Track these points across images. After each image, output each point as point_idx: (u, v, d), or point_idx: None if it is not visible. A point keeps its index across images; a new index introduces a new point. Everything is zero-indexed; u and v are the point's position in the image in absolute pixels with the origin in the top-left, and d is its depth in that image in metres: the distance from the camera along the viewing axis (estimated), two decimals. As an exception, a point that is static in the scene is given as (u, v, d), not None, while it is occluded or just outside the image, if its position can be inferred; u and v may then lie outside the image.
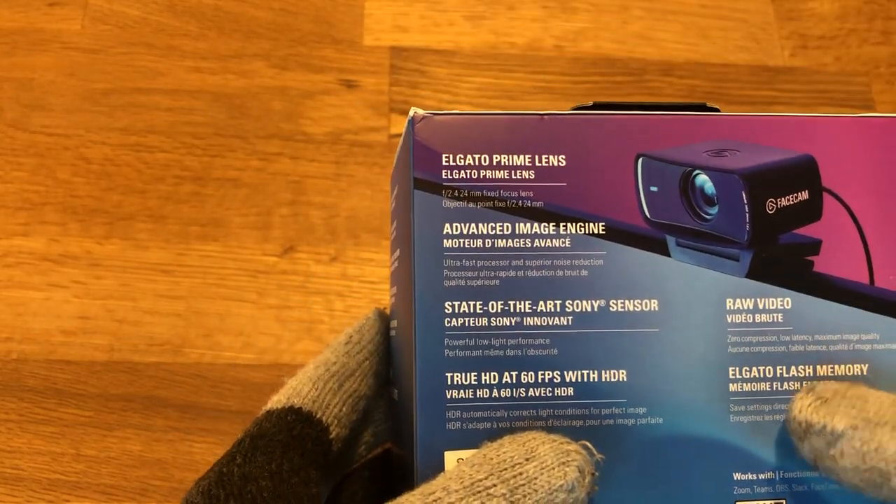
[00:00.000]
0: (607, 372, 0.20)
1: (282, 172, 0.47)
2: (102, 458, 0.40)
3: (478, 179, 0.20)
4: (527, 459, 0.17)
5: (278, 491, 0.19)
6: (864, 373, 0.21)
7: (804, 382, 0.21)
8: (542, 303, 0.20)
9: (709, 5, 0.55)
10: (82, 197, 0.45)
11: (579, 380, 0.20)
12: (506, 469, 0.17)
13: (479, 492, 0.17)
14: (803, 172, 0.21)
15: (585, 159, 0.21)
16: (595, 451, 0.19)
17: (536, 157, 0.21)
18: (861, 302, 0.21)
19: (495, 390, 0.20)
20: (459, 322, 0.20)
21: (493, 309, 0.20)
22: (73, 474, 0.39)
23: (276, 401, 0.22)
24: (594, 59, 0.52)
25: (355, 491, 0.23)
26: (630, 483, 0.20)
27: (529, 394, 0.20)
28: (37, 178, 0.46)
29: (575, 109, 0.22)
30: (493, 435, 0.19)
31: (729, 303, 0.21)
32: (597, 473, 0.19)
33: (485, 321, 0.20)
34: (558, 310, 0.20)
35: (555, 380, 0.20)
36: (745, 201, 0.21)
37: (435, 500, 0.17)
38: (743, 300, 0.21)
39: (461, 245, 0.20)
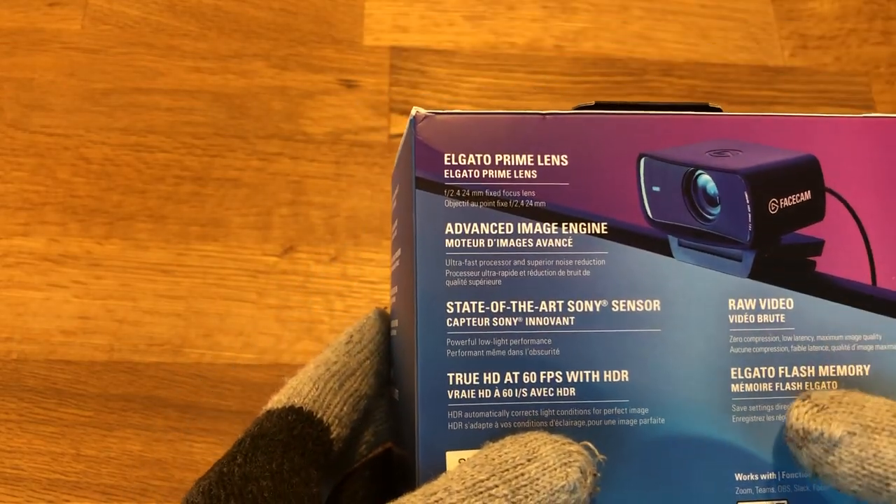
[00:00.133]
0: (609, 372, 0.20)
1: (282, 172, 0.47)
2: (102, 458, 0.39)
3: (480, 179, 0.20)
4: (529, 460, 0.17)
5: (279, 491, 0.19)
6: (866, 373, 0.21)
7: (806, 383, 0.21)
8: (544, 303, 0.20)
9: (709, 5, 0.55)
10: (82, 197, 0.45)
11: (581, 380, 0.20)
12: (507, 470, 0.17)
13: (481, 492, 0.17)
14: (806, 172, 0.21)
15: (587, 159, 0.21)
16: (597, 452, 0.19)
17: (538, 156, 0.21)
18: (863, 302, 0.21)
19: (497, 390, 0.20)
20: (461, 322, 0.20)
21: (495, 309, 0.20)
22: (73, 474, 0.39)
23: (277, 400, 0.22)
24: (594, 59, 0.52)
25: (356, 490, 0.23)
26: (632, 483, 0.20)
27: (531, 394, 0.20)
28: (37, 178, 0.46)
29: (577, 109, 0.21)
30: (495, 435, 0.19)
31: (731, 303, 0.21)
32: (599, 474, 0.18)
33: (487, 321, 0.20)
34: (560, 310, 0.20)
35: (557, 380, 0.20)
36: (748, 201, 0.21)
37: (436, 501, 0.17)
38: (745, 300, 0.21)
39: (463, 245, 0.20)
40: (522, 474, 0.17)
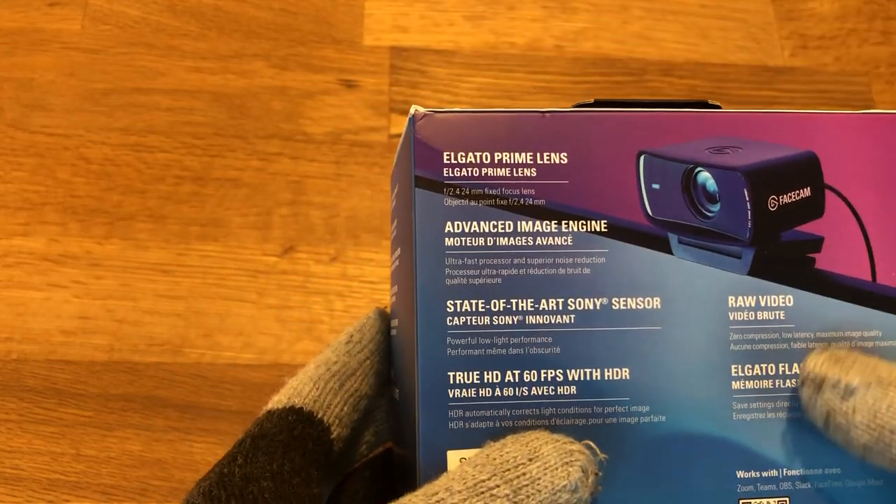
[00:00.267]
0: (610, 370, 0.20)
1: (282, 172, 0.47)
2: (102, 458, 0.39)
3: (479, 177, 0.20)
4: (530, 459, 0.17)
5: (280, 491, 0.19)
6: (867, 370, 0.21)
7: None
8: (544, 301, 0.20)
9: (709, 5, 0.55)
10: (82, 197, 0.45)
11: (582, 378, 0.20)
12: (509, 469, 0.17)
13: (483, 492, 0.17)
14: (805, 169, 0.21)
15: (587, 157, 0.21)
16: (598, 451, 0.19)
17: (538, 154, 0.21)
18: (863, 299, 0.21)
19: (498, 389, 0.20)
20: (461, 321, 0.20)
21: (495, 307, 0.20)
22: (73, 474, 0.39)
23: (277, 401, 0.22)
24: (594, 59, 0.52)
25: (356, 490, 0.23)
26: (633, 482, 0.20)
27: (532, 393, 0.20)
28: (37, 178, 0.46)
29: (576, 107, 0.21)
30: (496, 434, 0.19)
31: (731, 300, 0.21)
32: (600, 473, 0.18)
33: (487, 320, 0.20)
34: (560, 308, 0.20)
35: (557, 378, 0.20)
36: (747, 198, 0.21)
37: (438, 501, 0.17)
38: (745, 298, 0.21)
39: (463, 243, 0.20)
40: (524, 474, 0.17)
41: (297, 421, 0.21)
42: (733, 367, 0.20)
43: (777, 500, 0.20)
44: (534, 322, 0.20)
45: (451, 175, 0.20)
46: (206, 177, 0.46)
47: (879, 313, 0.21)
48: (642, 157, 0.21)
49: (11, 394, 0.41)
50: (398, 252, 0.23)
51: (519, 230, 0.20)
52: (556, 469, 0.17)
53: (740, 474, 0.20)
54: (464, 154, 0.20)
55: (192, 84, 0.48)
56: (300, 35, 0.51)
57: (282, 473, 0.19)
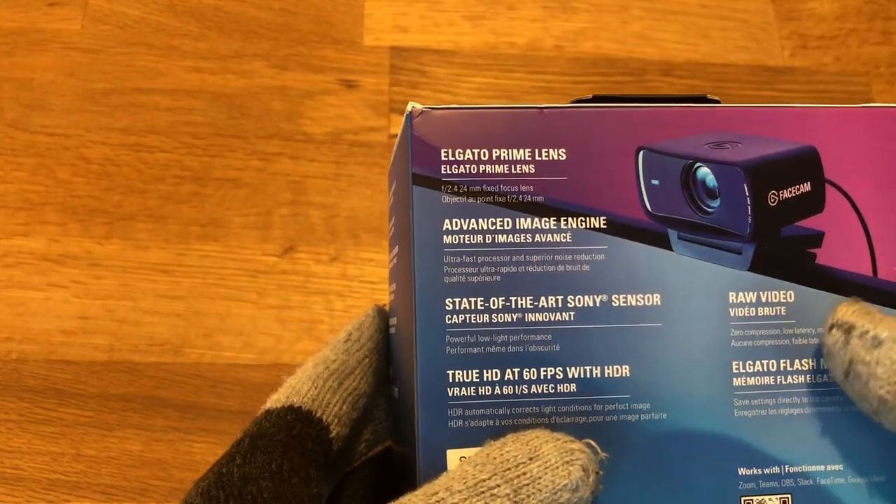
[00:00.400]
0: (610, 367, 0.20)
1: (282, 172, 0.47)
2: (102, 458, 0.39)
3: (477, 174, 0.20)
4: (530, 459, 0.17)
5: (279, 491, 0.19)
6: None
7: (808, 376, 0.21)
8: (543, 298, 0.20)
9: (709, 5, 0.55)
10: (82, 197, 0.45)
11: (582, 376, 0.20)
12: (509, 469, 0.17)
13: (483, 492, 0.17)
14: (805, 164, 0.21)
15: (586, 153, 0.21)
16: (599, 450, 0.19)
17: (536, 150, 0.20)
18: (864, 294, 0.21)
19: (497, 387, 0.20)
20: (460, 319, 0.20)
21: (494, 305, 0.20)
22: (73, 474, 0.39)
23: (276, 400, 0.22)
24: (594, 59, 0.52)
25: (356, 489, 0.23)
26: (634, 479, 0.20)
27: (532, 390, 0.20)
28: (37, 178, 0.46)
29: (575, 103, 0.21)
30: (496, 433, 0.19)
31: (731, 296, 0.20)
32: (601, 472, 0.18)
33: (486, 317, 0.20)
34: (560, 305, 0.20)
35: (557, 376, 0.20)
36: (747, 194, 0.21)
37: (438, 501, 0.17)
38: (745, 294, 0.21)
39: (461, 241, 0.20)
40: (524, 473, 0.17)
41: (296, 420, 0.21)
42: (734, 363, 0.20)
43: (779, 496, 0.20)
44: (533, 320, 0.20)
45: (449, 172, 0.20)
46: (206, 177, 0.46)
47: (880, 308, 0.21)
48: (641, 153, 0.21)
49: (11, 394, 0.41)
50: (396, 250, 0.23)
51: (518, 227, 0.20)
52: (557, 468, 0.17)
53: (742, 471, 0.20)
54: (462, 151, 0.20)
55: (192, 84, 0.48)
56: (300, 35, 0.51)
57: (281, 473, 0.19)
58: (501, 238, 0.20)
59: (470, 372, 0.20)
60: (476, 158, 0.20)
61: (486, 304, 0.20)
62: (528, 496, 0.17)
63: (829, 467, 0.20)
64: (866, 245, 0.21)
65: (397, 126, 0.49)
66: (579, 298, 0.20)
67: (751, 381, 0.20)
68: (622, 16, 0.54)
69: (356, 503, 0.23)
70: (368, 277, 0.45)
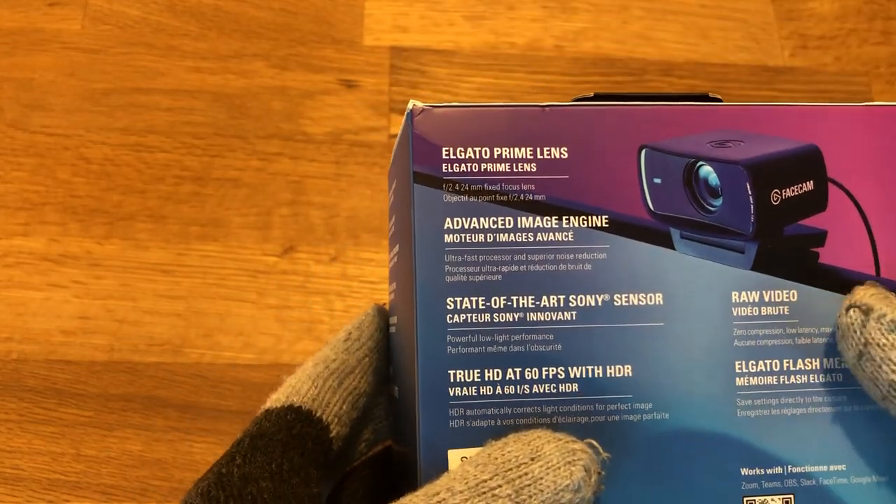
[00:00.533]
0: (612, 367, 0.20)
1: (282, 172, 0.47)
2: (102, 458, 0.39)
3: (479, 173, 0.20)
4: (532, 459, 0.17)
5: (279, 492, 0.18)
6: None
7: (811, 376, 0.21)
8: (545, 298, 0.20)
9: (709, 5, 0.55)
10: (82, 197, 0.45)
11: (584, 375, 0.20)
12: (511, 469, 0.17)
13: (485, 492, 0.17)
14: (808, 162, 0.21)
15: (588, 151, 0.20)
16: (601, 450, 0.19)
17: (538, 149, 0.20)
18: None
19: (499, 387, 0.20)
20: (461, 318, 0.20)
21: (495, 304, 0.20)
22: (73, 474, 0.39)
23: (276, 399, 0.22)
24: (594, 59, 0.52)
25: (356, 489, 0.23)
26: (636, 479, 0.20)
27: (533, 390, 0.20)
28: (37, 178, 0.46)
29: (576, 101, 0.21)
30: (497, 433, 0.19)
31: (734, 296, 0.20)
32: (603, 472, 0.18)
33: (487, 317, 0.20)
34: (562, 304, 0.20)
35: (559, 376, 0.20)
36: (750, 192, 0.21)
37: (439, 501, 0.17)
38: (748, 293, 0.20)
39: (462, 240, 0.20)
40: (526, 473, 0.17)
41: (296, 420, 0.21)
42: (737, 363, 0.20)
43: (781, 497, 0.20)
44: (535, 319, 0.20)
45: (450, 171, 0.20)
46: (206, 177, 0.46)
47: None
48: (644, 152, 0.21)
49: (11, 394, 0.41)
50: (396, 249, 0.23)
51: (519, 226, 0.20)
52: (559, 468, 0.17)
53: (744, 471, 0.20)
54: (463, 149, 0.20)
55: (192, 84, 0.48)
56: (300, 35, 0.51)
57: (281, 473, 0.19)
58: (503, 237, 0.20)
59: (471, 372, 0.20)
60: (477, 157, 0.20)
61: (488, 304, 0.20)
62: (530, 497, 0.17)
63: (832, 467, 0.20)
64: (869, 244, 0.21)
65: (397, 126, 0.49)
66: (581, 298, 0.20)
67: (754, 380, 0.20)
68: (622, 16, 0.54)
69: (356, 503, 0.23)
70: (368, 277, 0.44)
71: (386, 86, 0.50)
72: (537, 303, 0.20)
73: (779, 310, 0.21)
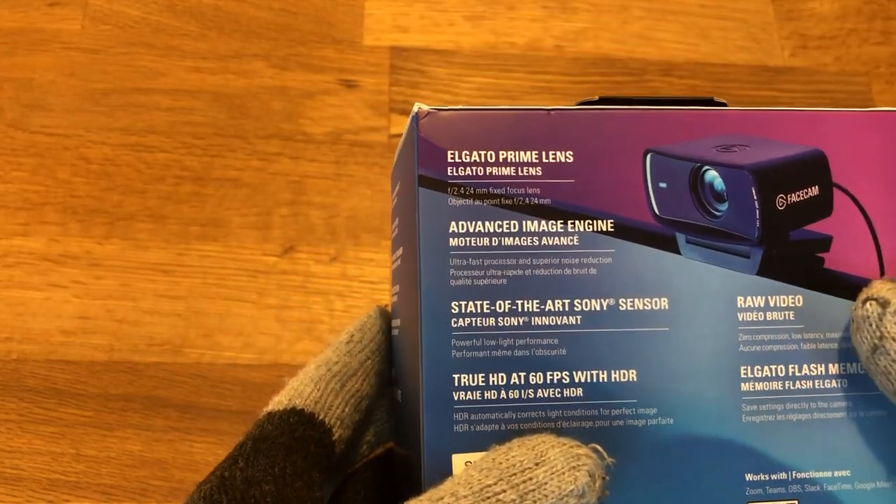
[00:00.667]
0: (617, 372, 0.20)
1: (282, 172, 0.47)
2: (102, 458, 0.39)
3: (484, 176, 0.20)
4: (536, 464, 0.17)
5: (282, 495, 0.18)
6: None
7: (817, 381, 0.21)
8: (550, 302, 0.20)
9: (709, 5, 0.55)
10: (82, 197, 0.45)
11: (589, 380, 0.20)
12: (515, 474, 0.17)
13: (489, 497, 0.17)
14: (813, 167, 0.21)
15: (593, 155, 0.20)
16: (605, 455, 0.18)
17: (543, 153, 0.20)
18: (873, 299, 0.21)
19: (503, 391, 0.20)
20: (466, 322, 0.20)
21: (500, 308, 0.20)
22: (73, 474, 0.39)
23: (278, 402, 0.22)
24: (594, 59, 0.52)
25: (358, 491, 0.23)
26: (641, 484, 0.20)
27: (538, 395, 0.20)
28: (37, 178, 0.45)
29: (581, 104, 0.21)
30: (502, 437, 0.19)
31: (740, 301, 0.20)
32: (607, 477, 0.18)
33: (492, 321, 0.20)
34: (567, 309, 0.20)
35: (564, 380, 0.20)
36: (755, 197, 0.21)
37: None
38: (754, 298, 0.20)
39: (467, 243, 0.20)
40: (530, 478, 0.17)
41: (299, 423, 0.21)
42: (742, 368, 0.20)
43: (786, 502, 0.20)
44: (539, 323, 0.20)
45: (455, 174, 0.20)
46: (206, 177, 0.46)
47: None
48: (649, 156, 0.21)
49: (11, 394, 0.40)
50: (400, 251, 0.23)
51: (524, 230, 0.20)
52: (563, 473, 0.17)
53: (749, 477, 0.20)
54: (468, 153, 0.20)
55: (192, 84, 0.48)
56: (300, 35, 0.51)
57: (283, 476, 0.19)
58: (508, 241, 0.20)
59: (476, 376, 0.20)
60: (483, 160, 0.20)
61: (493, 308, 0.20)
62: (535, 501, 0.17)
63: (836, 473, 0.20)
64: (874, 249, 0.21)
65: (397, 126, 0.49)
66: (586, 302, 0.20)
67: (759, 386, 0.20)
68: (622, 16, 0.54)
69: (358, 505, 0.23)
70: (368, 277, 0.44)
71: (386, 86, 0.50)
72: (542, 307, 0.20)
73: (784, 315, 0.21)
